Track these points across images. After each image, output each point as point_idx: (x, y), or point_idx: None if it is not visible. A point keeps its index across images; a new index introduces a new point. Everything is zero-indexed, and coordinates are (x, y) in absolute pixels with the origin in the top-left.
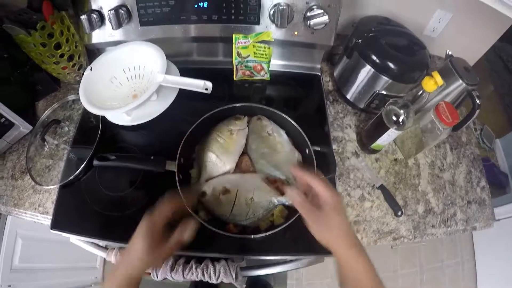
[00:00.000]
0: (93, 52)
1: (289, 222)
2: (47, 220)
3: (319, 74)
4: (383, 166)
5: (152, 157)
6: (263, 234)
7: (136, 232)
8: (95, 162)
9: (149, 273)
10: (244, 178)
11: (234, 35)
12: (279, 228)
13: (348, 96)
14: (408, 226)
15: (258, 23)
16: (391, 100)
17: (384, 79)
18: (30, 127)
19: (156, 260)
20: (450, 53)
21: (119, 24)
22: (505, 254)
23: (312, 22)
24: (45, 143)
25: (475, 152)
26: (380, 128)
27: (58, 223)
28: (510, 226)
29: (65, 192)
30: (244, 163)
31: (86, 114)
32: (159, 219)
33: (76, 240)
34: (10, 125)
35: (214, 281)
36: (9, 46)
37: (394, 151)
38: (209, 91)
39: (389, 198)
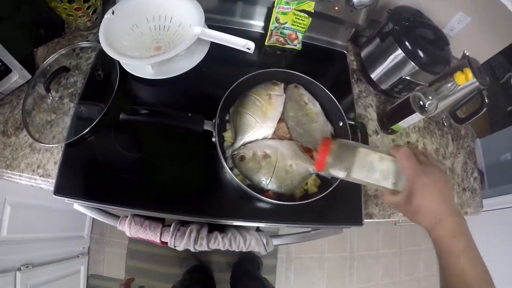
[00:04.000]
0: None
1: (325, 193)
2: (48, 184)
3: (345, 52)
4: None
5: (189, 115)
6: (305, 201)
7: None
8: (122, 116)
9: (166, 243)
10: (283, 144)
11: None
12: (315, 198)
13: (373, 76)
14: None
15: None
16: (418, 87)
17: (412, 65)
18: (29, 76)
19: None
20: (467, 53)
21: None
22: (483, 247)
23: (356, 1)
24: (49, 94)
25: (471, 145)
26: (405, 111)
27: (63, 188)
28: (485, 220)
29: (72, 152)
30: (282, 129)
31: (98, 64)
32: None
33: (80, 207)
34: (6, 71)
35: (243, 249)
36: None
37: (407, 134)
38: (251, 51)
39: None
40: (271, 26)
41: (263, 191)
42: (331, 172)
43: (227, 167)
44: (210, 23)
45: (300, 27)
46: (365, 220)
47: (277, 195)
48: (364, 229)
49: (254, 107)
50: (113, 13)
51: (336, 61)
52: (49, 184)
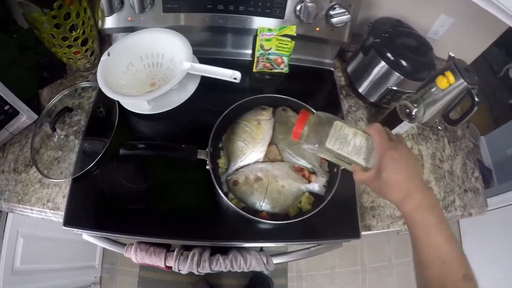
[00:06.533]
0: (103, 39)
1: (318, 209)
2: (57, 217)
3: (333, 69)
4: None
5: (183, 146)
6: (297, 220)
7: None
8: (122, 151)
9: (170, 267)
10: (275, 166)
11: (259, 28)
12: (309, 215)
13: (361, 90)
14: None
15: (283, 17)
16: (404, 96)
17: (397, 75)
18: (35, 116)
19: None
20: (452, 55)
21: (142, 8)
22: (494, 244)
23: (335, 20)
24: (55, 133)
25: (469, 145)
26: (393, 121)
27: (72, 219)
28: (496, 217)
29: (79, 185)
30: (272, 152)
31: (99, 102)
32: None
33: (88, 236)
34: (14, 113)
35: (244, 269)
36: (20, 26)
37: None
38: (237, 80)
39: None
40: (257, 53)
41: (258, 212)
42: (304, 143)
43: (221, 192)
44: (203, 56)
45: (284, 51)
46: (364, 233)
47: (272, 215)
48: (374, 240)
49: (245, 134)
50: (108, 54)
51: (324, 79)
52: (58, 217)
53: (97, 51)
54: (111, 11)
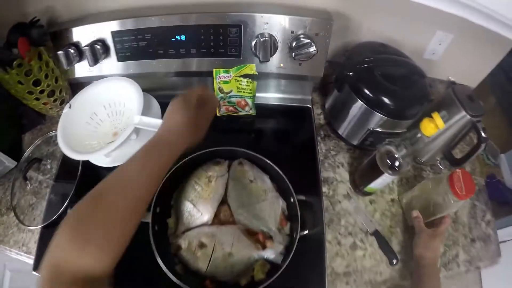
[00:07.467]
0: (76, 86)
1: (271, 280)
2: (30, 260)
3: (310, 106)
4: (378, 208)
5: None
6: None
7: (171, 109)
8: (69, 211)
9: None
10: (222, 231)
11: (214, 70)
12: (262, 286)
13: (340, 132)
14: (405, 274)
15: (239, 56)
16: (386, 141)
17: (378, 115)
18: (15, 163)
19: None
20: (452, 79)
21: (95, 60)
22: None
23: (298, 53)
24: (27, 181)
25: (480, 182)
26: (374, 171)
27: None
28: None
29: (48, 233)
30: (223, 213)
31: None
32: (193, 94)
33: None
34: None
35: None
36: None
37: (391, 190)
38: None
39: (384, 245)
40: (217, 97)
41: (202, 280)
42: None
43: (159, 259)
44: (168, 100)
45: (246, 93)
46: None
47: (218, 285)
48: None
49: (193, 193)
50: (70, 107)
51: (300, 118)
52: (31, 260)
53: (68, 99)
54: (70, 63)
